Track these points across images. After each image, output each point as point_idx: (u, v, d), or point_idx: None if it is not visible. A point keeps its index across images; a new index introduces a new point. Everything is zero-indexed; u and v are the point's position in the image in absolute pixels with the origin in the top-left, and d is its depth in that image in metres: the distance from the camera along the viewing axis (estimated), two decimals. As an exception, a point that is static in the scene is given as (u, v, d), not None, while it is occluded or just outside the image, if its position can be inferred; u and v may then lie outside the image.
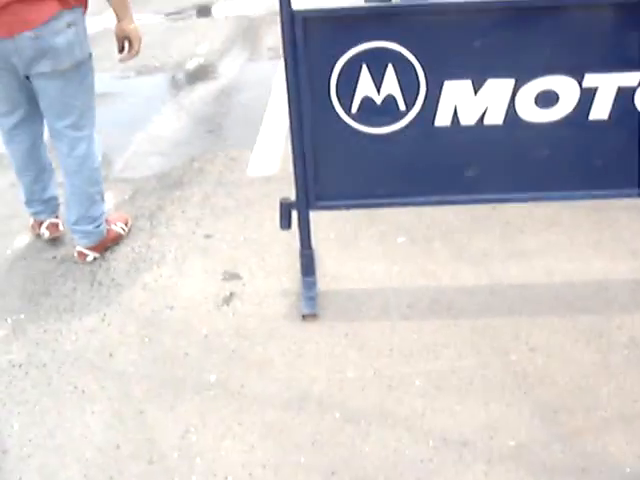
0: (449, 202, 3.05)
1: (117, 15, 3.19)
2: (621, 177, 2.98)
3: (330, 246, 3.47)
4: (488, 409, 2.58)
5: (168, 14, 7.43)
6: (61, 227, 3.69)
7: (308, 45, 2.72)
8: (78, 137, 3.25)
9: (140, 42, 3.28)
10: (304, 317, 3.03)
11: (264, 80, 5.46)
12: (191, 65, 6.07)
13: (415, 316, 3.01)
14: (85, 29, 3.12)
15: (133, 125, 4.94)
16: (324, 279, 3.25)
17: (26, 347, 3.01)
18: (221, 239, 3.60)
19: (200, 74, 5.85)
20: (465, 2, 2.73)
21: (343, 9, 2.73)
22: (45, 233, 3.65)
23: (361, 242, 3.50)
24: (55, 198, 3.66)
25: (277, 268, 3.36)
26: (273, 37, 6.34)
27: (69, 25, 2.99)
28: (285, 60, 2.76)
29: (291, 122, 2.86)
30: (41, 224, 3.66)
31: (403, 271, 3.28)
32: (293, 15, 2.67)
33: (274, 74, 5.48)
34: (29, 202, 3.62)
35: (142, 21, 6.96)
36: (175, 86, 5.66)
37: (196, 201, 3.95)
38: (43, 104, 3.20)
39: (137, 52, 3.28)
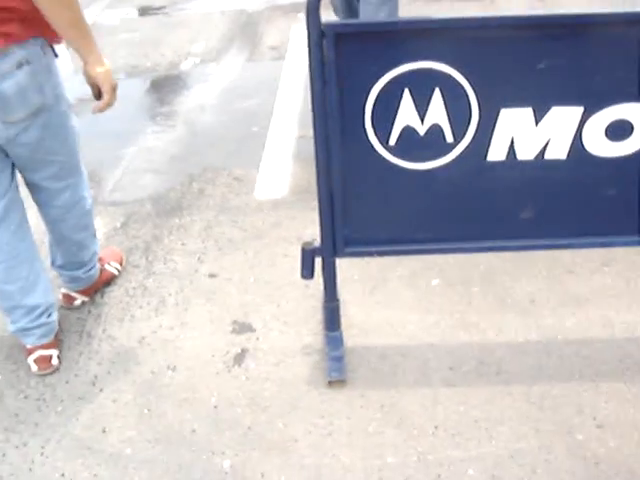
0: (500, 248, 2.61)
1: (80, 55, 2.38)
2: None
3: (354, 289, 3.02)
4: (558, 508, 2.15)
5: (159, 8, 6.88)
6: (55, 361, 2.76)
7: (340, 66, 2.28)
8: (59, 188, 2.66)
9: (113, 89, 2.43)
10: (330, 383, 2.58)
11: (267, 83, 4.98)
12: (186, 66, 5.56)
13: (460, 382, 2.57)
14: (49, 65, 2.40)
15: (123, 137, 4.45)
16: (350, 331, 2.81)
17: (3, 419, 2.55)
18: (228, 279, 3.14)
19: (196, 76, 5.35)
20: (529, 16, 2.28)
21: (383, 23, 2.28)
22: (32, 367, 2.74)
23: (389, 284, 3.05)
24: (44, 309, 2.71)
25: (295, 317, 2.91)
26: (274, 35, 5.86)
27: (20, 65, 2.27)
28: (311, 83, 2.31)
29: (317, 155, 2.41)
30: (30, 353, 2.74)
31: (441, 323, 2.83)
32: (323, 31, 2.21)
33: (278, 77, 5.01)
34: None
35: (130, 15, 6.50)
36: (169, 90, 5.15)
37: (197, 231, 3.48)
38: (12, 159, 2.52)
39: (110, 102, 2.45)
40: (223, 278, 3.15)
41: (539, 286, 2.99)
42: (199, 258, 3.28)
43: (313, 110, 2.34)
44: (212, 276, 3.17)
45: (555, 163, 2.43)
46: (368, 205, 2.52)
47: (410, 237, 2.57)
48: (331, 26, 2.23)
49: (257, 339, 2.81)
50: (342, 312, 2.78)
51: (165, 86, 5.19)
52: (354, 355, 2.69)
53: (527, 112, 2.35)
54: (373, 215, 2.54)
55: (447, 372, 2.61)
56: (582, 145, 2.40)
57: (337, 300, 2.68)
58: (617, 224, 2.55)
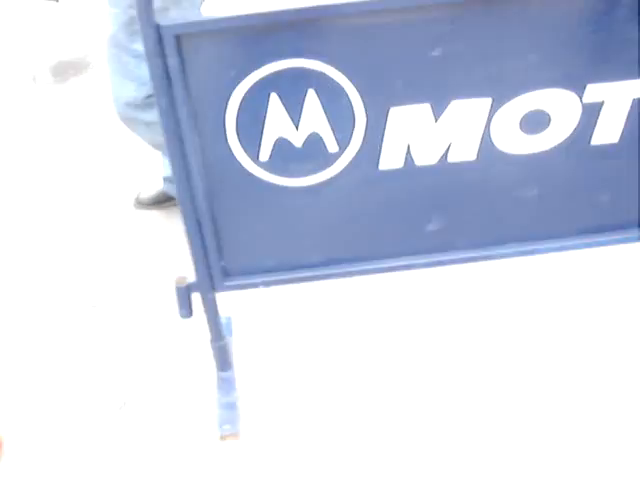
0: (406, 267, 2.22)
1: None
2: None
3: (249, 309, 2.62)
4: None
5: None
6: None
7: (188, 75, 1.85)
8: None
9: None
10: (222, 438, 2.21)
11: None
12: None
13: (379, 425, 2.20)
14: None
15: None
16: (246, 367, 2.42)
17: None
18: (105, 308, 2.72)
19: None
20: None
21: (234, 18, 1.83)
22: None
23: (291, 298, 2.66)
24: None
25: (183, 351, 2.50)
26: None
27: None
28: (157, 99, 1.87)
29: (177, 181, 1.99)
30: None
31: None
32: (160, 33, 1.78)
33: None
34: None
35: None
36: None
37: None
38: None
39: None
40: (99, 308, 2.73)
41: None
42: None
43: (164, 130, 1.92)
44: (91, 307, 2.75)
45: (462, 166, 2.04)
46: (247, 230, 2.13)
47: (301, 262, 2.19)
48: (169, 27, 1.79)
49: (139, 385, 2.41)
50: (237, 342, 2.40)
51: None
52: (251, 397, 2.31)
53: (423, 109, 1.95)
54: (254, 241, 2.16)
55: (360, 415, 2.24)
56: (492, 142, 2.01)
57: (224, 339, 2.29)
58: (539, 229, 2.19)
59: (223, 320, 2.39)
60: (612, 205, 2.17)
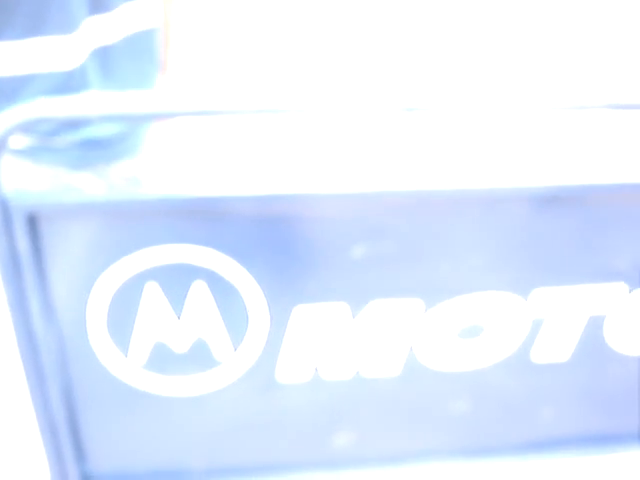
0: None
1: None
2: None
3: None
4: None
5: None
6: None
7: (44, 260, 1.49)
8: None
9: None
10: None
11: None
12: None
13: None
14: None
15: None
16: None
17: None
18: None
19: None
20: (337, 194, 1.49)
21: (107, 201, 1.47)
22: None
23: None
24: None
25: None
26: None
27: None
28: (4, 285, 1.49)
29: (28, 379, 1.60)
30: None
31: None
32: (9, 210, 1.40)
33: None
34: None
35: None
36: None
37: None
38: None
39: None
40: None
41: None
42: None
43: (12, 323, 1.53)
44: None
45: (379, 380, 1.69)
46: (114, 434, 1.75)
47: (180, 470, 1.81)
48: (21, 206, 1.42)
49: None
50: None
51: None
52: None
53: (337, 308, 1.59)
54: (124, 445, 1.78)
55: None
56: (417, 357, 1.67)
57: None
58: (471, 443, 1.85)
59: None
60: (554, 420, 1.84)
